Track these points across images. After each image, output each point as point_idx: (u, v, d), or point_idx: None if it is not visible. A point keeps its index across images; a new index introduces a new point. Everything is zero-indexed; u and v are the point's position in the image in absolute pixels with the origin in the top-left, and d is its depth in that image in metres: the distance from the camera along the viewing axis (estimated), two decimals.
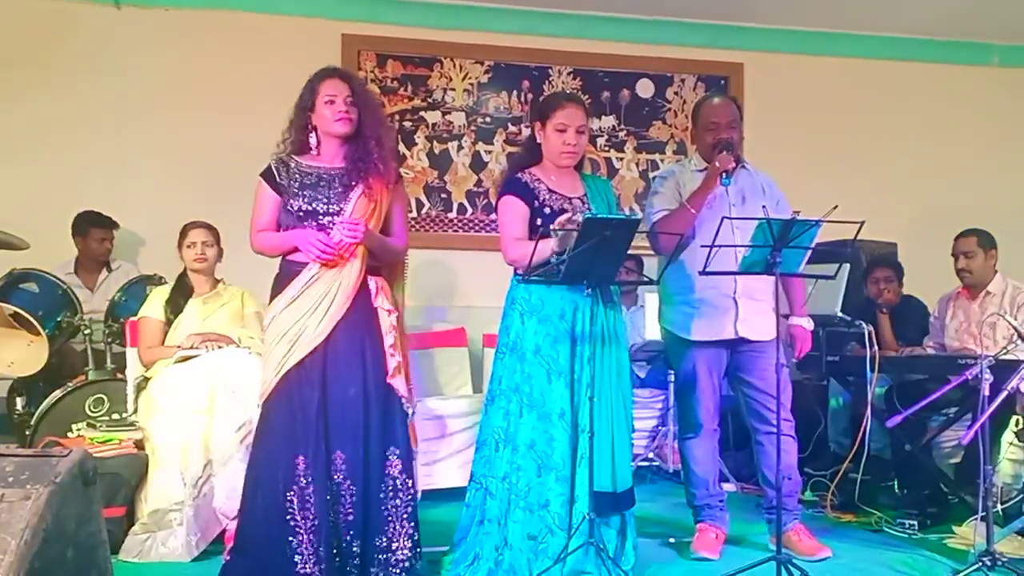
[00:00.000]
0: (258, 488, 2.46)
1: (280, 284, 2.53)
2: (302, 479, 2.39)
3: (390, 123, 2.86)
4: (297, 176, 2.53)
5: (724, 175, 2.83)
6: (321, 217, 2.50)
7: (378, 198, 2.55)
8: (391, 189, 2.60)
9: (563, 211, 2.67)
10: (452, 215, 4.89)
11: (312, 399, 2.42)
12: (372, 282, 2.54)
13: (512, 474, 2.58)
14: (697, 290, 2.94)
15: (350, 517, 2.43)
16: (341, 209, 2.50)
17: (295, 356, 2.43)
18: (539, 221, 2.65)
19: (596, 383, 2.54)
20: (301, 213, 2.50)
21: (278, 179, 2.53)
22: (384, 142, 2.57)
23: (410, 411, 2.56)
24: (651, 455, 4.45)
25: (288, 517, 2.38)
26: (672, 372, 4.02)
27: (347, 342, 2.47)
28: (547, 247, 2.53)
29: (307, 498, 2.39)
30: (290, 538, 2.38)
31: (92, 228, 4.22)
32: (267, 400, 2.47)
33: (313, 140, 2.57)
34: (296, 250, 2.50)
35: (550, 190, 2.71)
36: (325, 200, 2.50)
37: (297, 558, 2.37)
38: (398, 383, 2.52)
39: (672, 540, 3.16)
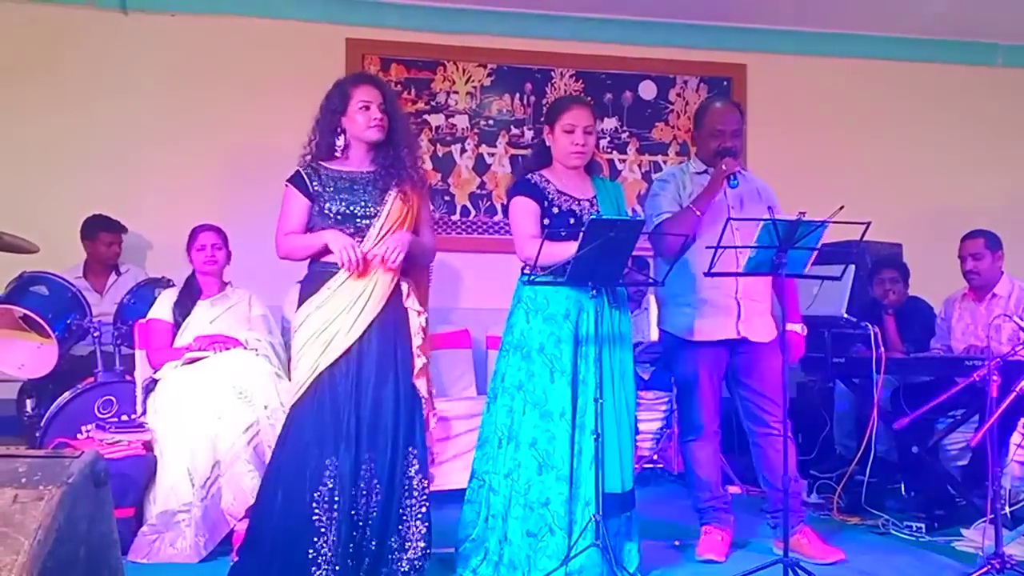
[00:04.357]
0: (280, 488, 2.45)
1: (311, 286, 2.52)
2: (330, 481, 2.40)
3: (414, 128, 2.94)
4: (330, 181, 2.55)
5: (731, 177, 2.85)
6: (359, 220, 2.53)
7: (411, 202, 2.59)
8: (421, 194, 2.64)
9: (571, 212, 2.69)
10: (455, 218, 4.89)
11: (346, 400, 2.44)
12: (404, 283, 2.58)
13: (514, 471, 2.61)
14: (699, 291, 2.95)
15: (373, 516, 2.44)
16: (378, 212, 2.53)
17: (329, 357, 2.44)
18: (547, 221, 2.68)
19: (601, 384, 2.55)
20: (339, 216, 2.52)
21: (311, 186, 2.54)
22: (414, 148, 2.62)
23: (433, 419, 2.60)
24: (656, 457, 4.45)
25: (314, 518, 2.39)
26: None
27: (380, 342, 2.49)
28: (568, 249, 2.51)
29: (334, 499, 2.40)
30: (314, 539, 2.38)
31: (101, 232, 4.24)
32: (299, 401, 2.47)
33: (340, 142, 2.58)
34: (326, 252, 2.51)
35: (559, 191, 2.73)
36: (363, 203, 2.52)
37: (321, 560, 2.37)
38: (421, 384, 2.55)
39: (677, 543, 3.15)
